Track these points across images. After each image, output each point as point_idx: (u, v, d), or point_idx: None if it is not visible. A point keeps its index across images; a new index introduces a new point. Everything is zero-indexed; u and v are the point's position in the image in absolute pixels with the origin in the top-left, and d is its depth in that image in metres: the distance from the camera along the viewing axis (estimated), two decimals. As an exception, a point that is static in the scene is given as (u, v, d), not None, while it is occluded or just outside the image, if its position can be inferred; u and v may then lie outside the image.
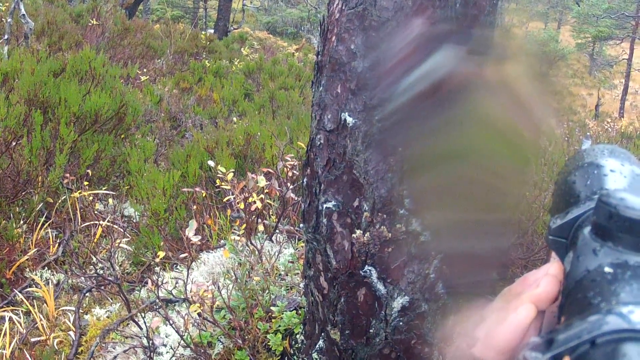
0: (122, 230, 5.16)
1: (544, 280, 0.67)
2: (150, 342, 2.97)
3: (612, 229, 0.58)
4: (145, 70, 11.92)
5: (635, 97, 35.50)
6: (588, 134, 8.20)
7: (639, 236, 0.56)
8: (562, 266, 0.68)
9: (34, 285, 4.42)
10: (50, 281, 4.53)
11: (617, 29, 32.98)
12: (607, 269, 0.56)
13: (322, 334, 2.33)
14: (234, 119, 9.55)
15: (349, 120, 1.97)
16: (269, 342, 2.73)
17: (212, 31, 21.07)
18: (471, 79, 1.54)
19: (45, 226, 5.09)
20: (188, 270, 3.01)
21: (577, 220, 0.69)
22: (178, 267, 3.88)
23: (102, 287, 4.21)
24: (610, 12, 31.94)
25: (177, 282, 3.42)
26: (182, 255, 3.25)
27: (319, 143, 2.11)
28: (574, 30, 38.96)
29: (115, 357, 3.17)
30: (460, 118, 1.63)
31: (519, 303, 0.67)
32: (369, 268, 2.05)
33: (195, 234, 2.98)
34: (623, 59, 33.40)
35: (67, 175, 5.33)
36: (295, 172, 3.66)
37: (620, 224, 0.57)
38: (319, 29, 2.15)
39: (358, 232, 2.03)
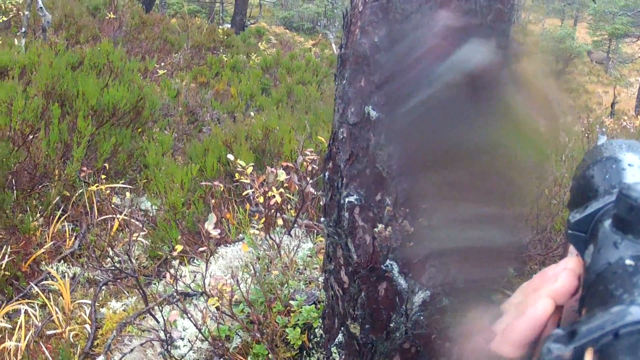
0: (139, 223, 5.17)
1: (562, 275, 0.68)
2: (168, 335, 2.97)
3: (633, 221, 0.58)
4: (162, 64, 11.97)
5: (651, 95, 35.34)
6: (603, 129, 8.32)
7: None
8: (580, 260, 0.68)
9: (49, 279, 4.45)
10: (66, 274, 4.56)
11: (634, 27, 32.88)
12: (628, 262, 0.56)
13: (342, 328, 2.32)
14: (252, 113, 9.56)
15: (373, 113, 1.96)
16: (287, 336, 2.73)
17: (229, 25, 21.09)
18: (494, 74, 1.53)
19: (61, 219, 5.11)
20: (207, 264, 3.00)
21: (597, 214, 0.69)
22: (195, 260, 3.88)
23: (119, 280, 4.23)
24: (626, 10, 31.87)
25: (195, 276, 3.42)
26: (201, 249, 3.25)
27: (341, 137, 2.10)
28: (590, 27, 38.86)
29: (132, 350, 3.17)
30: (483, 113, 1.62)
31: (537, 297, 0.67)
32: (391, 262, 2.04)
33: (214, 228, 2.97)
34: (639, 56, 33.28)
35: (84, 168, 5.34)
36: (314, 166, 3.65)
37: None
38: (343, 21, 2.14)
39: (380, 226, 2.01)
